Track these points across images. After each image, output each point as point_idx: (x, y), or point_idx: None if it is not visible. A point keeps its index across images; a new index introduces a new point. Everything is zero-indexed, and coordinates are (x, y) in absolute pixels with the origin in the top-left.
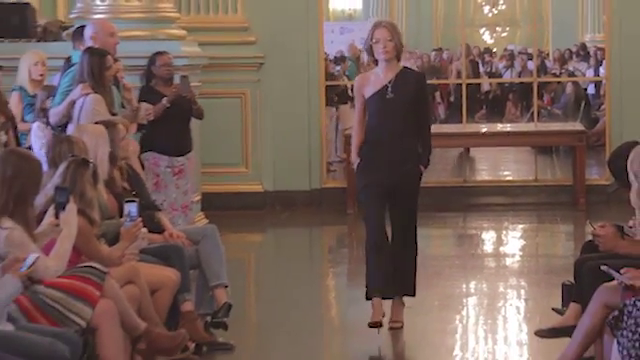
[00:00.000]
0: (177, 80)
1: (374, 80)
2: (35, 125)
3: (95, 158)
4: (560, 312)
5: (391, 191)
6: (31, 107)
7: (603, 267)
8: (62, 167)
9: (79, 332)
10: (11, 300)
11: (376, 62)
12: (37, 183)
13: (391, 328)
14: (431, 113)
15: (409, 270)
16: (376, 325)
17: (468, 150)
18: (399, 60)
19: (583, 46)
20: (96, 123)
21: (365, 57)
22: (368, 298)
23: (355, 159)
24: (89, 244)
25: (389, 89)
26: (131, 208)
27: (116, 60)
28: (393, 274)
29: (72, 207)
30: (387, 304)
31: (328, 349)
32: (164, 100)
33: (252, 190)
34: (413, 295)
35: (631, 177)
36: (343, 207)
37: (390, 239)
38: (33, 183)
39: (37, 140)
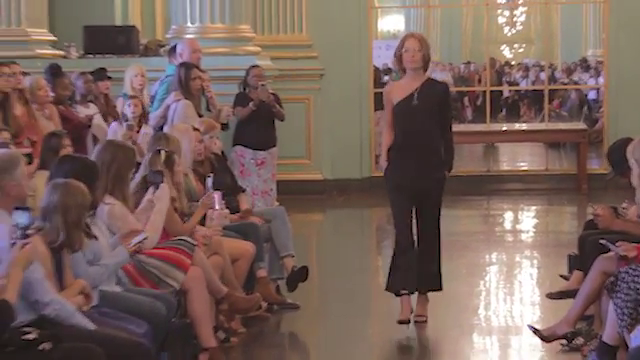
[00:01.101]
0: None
1: (402, 88)
2: (113, 124)
3: (180, 150)
4: (566, 278)
5: (417, 194)
6: None
7: (602, 241)
8: (146, 158)
9: (173, 293)
10: (119, 267)
11: (404, 71)
12: (130, 166)
13: (416, 322)
14: (452, 121)
15: (435, 269)
16: (404, 322)
17: (492, 145)
18: (426, 70)
19: (585, 60)
20: None
21: None
22: (396, 294)
23: (383, 163)
24: (169, 217)
25: (415, 96)
26: (208, 182)
27: (203, 72)
28: (418, 272)
29: (164, 186)
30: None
31: (375, 308)
32: (250, 104)
33: (314, 178)
34: (440, 289)
35: (632, 162)
36: None
37: (417, 239)
38: (127, 166)
39: (112, 135)
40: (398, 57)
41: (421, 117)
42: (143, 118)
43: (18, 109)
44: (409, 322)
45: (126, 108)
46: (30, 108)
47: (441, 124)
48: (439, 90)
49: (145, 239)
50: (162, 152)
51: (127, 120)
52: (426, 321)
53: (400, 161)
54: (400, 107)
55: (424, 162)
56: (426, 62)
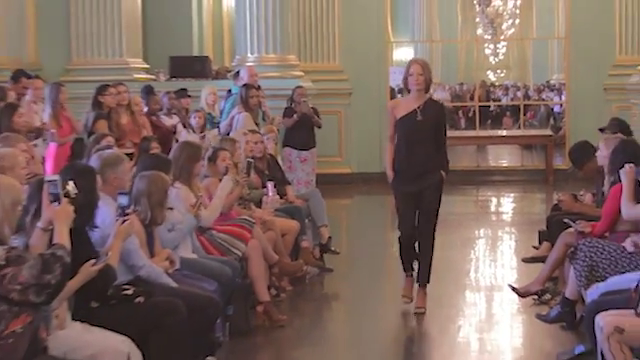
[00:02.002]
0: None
1: (405, 104)
2: (183, 132)
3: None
4: (537, 248)
5: (419, 195)
6: (207, 121)
7: (565, 220)
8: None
9: (237, 260)
10: (190, 231)
11: (409, 90)
12: (195, 160)
13: (416, 313)
14: (446, 133)
15: (427, 261)
16: (408, 299)
17: (480, 146)
18: (427, 91)
19: (551, 82)
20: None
21: None
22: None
23: (390, 174)
24: None
25: (418, 113)
26: (269, 185)
27: (260, 90)
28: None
29: (227, 178)
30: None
31: (391, 270)
32: (295, 115)
33: (344, 172)
34: (427, 282)
35: (603, 153)
36: None
37: (416, 233)
38: (192, 160)
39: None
40: (404, 79)
41: (423, 130)
42: (204, 127)
43: (124, 119)
44: (411, 300)
45: (192, 119)
46: (135, 118)
47: (438, 136)
48: (438, 108)
49: (200, 199)
50: (209, 149)
51: (194, 131)
52: (424, 312)
53: (404, 169)
54: (404, 121)
55: (424, 169)
56: (428, 84)
